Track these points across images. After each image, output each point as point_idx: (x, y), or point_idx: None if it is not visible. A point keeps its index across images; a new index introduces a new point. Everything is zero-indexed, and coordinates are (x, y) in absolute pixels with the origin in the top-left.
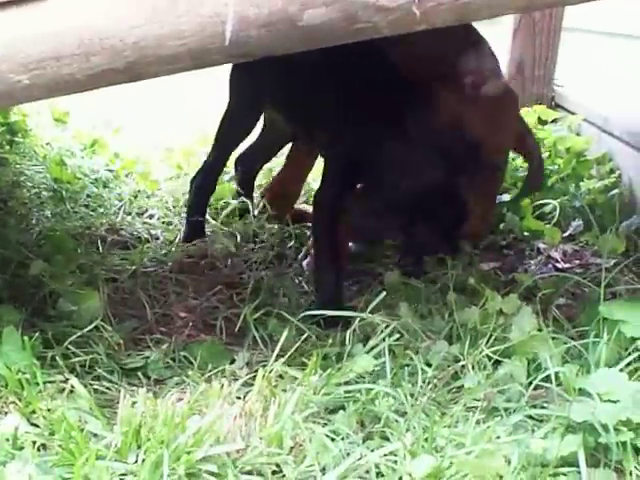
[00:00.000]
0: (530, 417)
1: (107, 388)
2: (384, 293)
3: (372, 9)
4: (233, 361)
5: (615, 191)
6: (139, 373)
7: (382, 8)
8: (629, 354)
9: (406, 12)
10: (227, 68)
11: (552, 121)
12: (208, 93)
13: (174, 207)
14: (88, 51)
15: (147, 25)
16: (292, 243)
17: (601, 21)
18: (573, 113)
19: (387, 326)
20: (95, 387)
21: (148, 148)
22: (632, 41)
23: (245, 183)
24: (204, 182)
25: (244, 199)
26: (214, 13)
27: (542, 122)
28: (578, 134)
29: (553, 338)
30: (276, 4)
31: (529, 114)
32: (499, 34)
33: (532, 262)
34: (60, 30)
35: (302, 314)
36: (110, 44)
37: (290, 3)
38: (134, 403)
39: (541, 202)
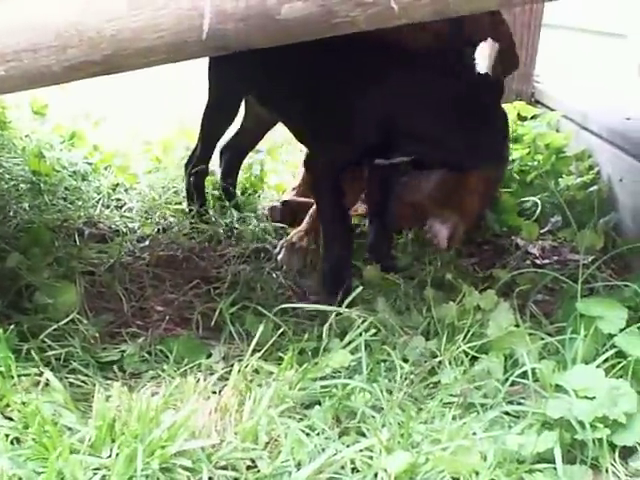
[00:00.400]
0: (506, 413)
1: (82, 382)
2: (361, 288)
3: (351, 3)
4: (209, 355)
5: (594, 187)
6: (115, 367)
7: (361, 2)
8: (606, 350)
9: (385, 7)
10: (207, 61)
11: (531, 117)
12: (188, 85)
13: (153, 200)
14: (65, 43)
15: (125, 18)
16: (270, 238)
17: (581, 18)
18: (552, 109)
19: (364, 321)
20: (70, 380)
21: (127, 141)
22: (611, 38)
23: (229, 173)
24: (199, 169)
25: (224, 193)
26: (192, 6)
27: (522, 118)
28: (557, 130)
29: (530, 334)
30: None
31: (509, 110)
32: None
33: (510, 258)
34: (37, 22)
35: (278, 307)
36: (87, 36)
37: None
38: (109, 397)
39: (521, 199)
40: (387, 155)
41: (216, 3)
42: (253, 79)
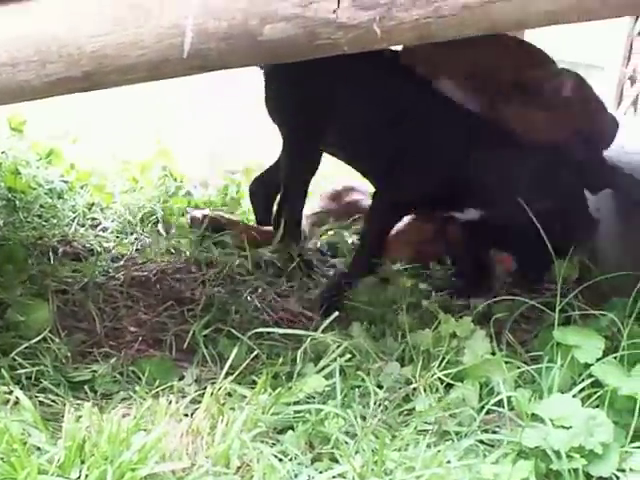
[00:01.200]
0: (481, 442)
1: (53, 401)
2: (337, 313)
3: (333, 26)
4: (182, 378)
5: None
6: (86, 387)
7: (343, 25)
8: (582, 380)
9: (367, 30)
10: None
11: None
12: (168, 105)
13: (129, 222)
14: (45, 58)
15: (106, 35)
16: (243, 261)
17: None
18: None
19: (339, 346)
20: (40, 400)
21: (105, 160)
22: (590, 70)
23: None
24: None
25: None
26: (173, 25)
27: None
28: None
29: (506, 362)
30: (236, 17)
31: None
32: None
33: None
34: (17, 36)
35: (252, 332)
36: (67, 52)
37: (250, 17)
38: (79, 417)
39: None
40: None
41: (198, 22)
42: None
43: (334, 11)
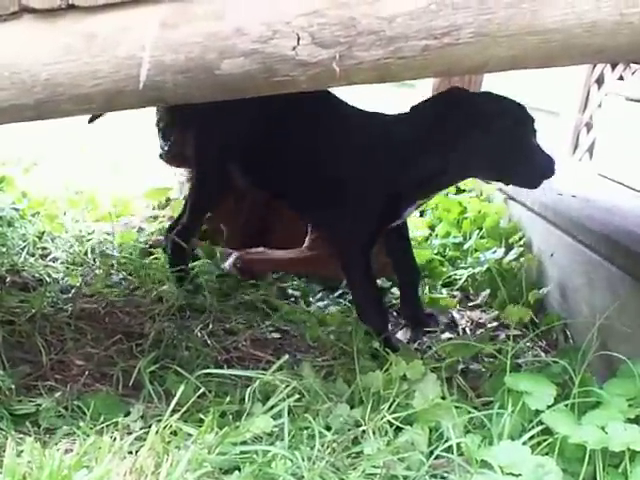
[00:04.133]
0: None
1: None
2: (287, 356)
3: (291, 63)
4: (128, 414)
5: (523, 260)
6: (29, 421)
7: (302, 63)
8: (532, 427)
9: (326, 68)
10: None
11: (463, 191)
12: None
13: (79, 252)
14: None
15: (61, 63)
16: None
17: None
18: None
19: (287, 386)
20: None
21: (57, 188)
22: (551, 116)
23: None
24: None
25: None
26: (130, 55)
27: (459, 191)
28: (489, 202)
29: (456, 407)
30: (193, 50)
31: None
32: (415, 97)
33: (438, 329)
34: None
35: (200, 372)
36: (20, 79)
37: (208, 51)
38: (21, 452)
39: (451, 273)
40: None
41: (155, 54)
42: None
43: (294, 48)
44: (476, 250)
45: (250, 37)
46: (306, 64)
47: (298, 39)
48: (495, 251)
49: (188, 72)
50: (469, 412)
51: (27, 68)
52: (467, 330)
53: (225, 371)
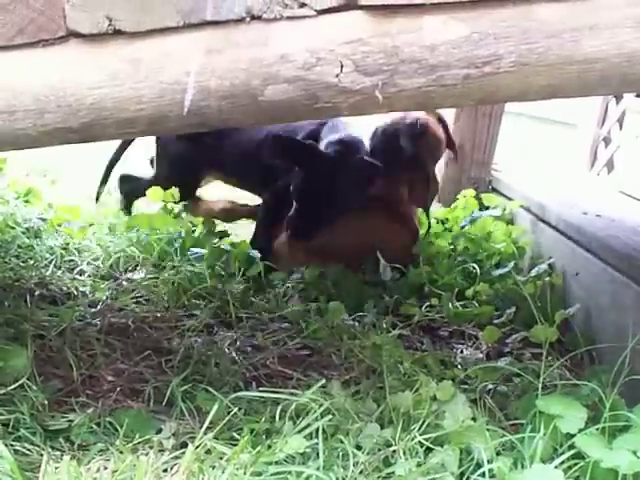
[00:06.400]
0: None
1: (29, 450)
2: (323, 380)
3: (334, 90)
4: (159, 431)
5: (548, 279)
6: (62, 436)
7: (345, 90)
8: (564, 451)
9: (368, 96)
10: None
11: (487, 208)
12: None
13: (105, 265)
14: (43, 108)
15: (106, 87)
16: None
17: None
18: (509, 198)
19: (320, 405)
20: (16, 448)
21: (82, 200)
22: (568, 128)
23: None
24: None
25: None
26: (175, 80)
27: (483, 207)
28: (512, 221)
29: (487, 429)
30: (238, 77)
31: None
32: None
33: (466, 348)
34: (16, 84)
35: (233, 396)
36: (66, 103)
37: (253, 77)
38: (57, 468)
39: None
40: None
41: (200, 79)
42: None
43: (337, 75)
44: (496, 266)
45: (294, 64)
46: (349, 91)
47: (341, 67)
48: (520, 269)
49: (232, 98)
50: (502, 435)
51: (73, 92)
52: (492, 348)
53: (258, 393)
